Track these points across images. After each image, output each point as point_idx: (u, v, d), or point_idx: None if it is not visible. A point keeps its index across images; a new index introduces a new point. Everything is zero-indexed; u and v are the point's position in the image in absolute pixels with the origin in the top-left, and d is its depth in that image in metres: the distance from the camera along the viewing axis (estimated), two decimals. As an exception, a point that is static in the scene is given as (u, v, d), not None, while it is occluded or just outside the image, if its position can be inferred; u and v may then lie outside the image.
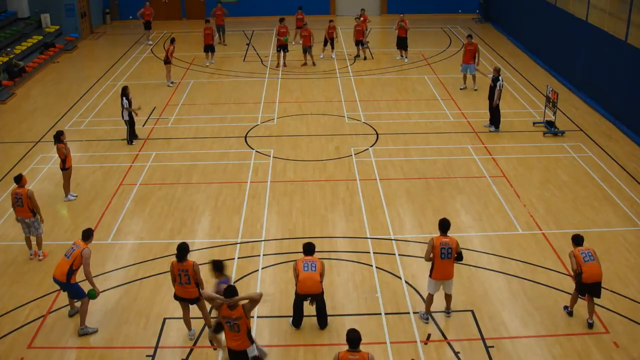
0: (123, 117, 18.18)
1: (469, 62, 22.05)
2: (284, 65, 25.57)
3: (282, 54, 25.66)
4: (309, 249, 10.74)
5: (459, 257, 10.72)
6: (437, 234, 10.84)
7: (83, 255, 10.50)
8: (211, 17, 28.67)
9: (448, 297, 11.00)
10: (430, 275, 10.80)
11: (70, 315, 11.15)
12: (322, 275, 10.59)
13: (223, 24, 29.25)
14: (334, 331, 10.79)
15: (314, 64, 25.60)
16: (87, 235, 10.85)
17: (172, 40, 23.81)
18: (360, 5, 34.53)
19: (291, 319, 10.89)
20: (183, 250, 10.17)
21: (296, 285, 10.55)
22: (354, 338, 8.26)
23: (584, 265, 10.54)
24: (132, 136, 18.40)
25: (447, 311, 11.08)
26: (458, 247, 10.65)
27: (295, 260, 10.75)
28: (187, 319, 10.61)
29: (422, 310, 11.08)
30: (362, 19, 27.64)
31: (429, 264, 10.83)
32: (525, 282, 11.99)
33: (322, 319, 10.79)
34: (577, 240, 10.93)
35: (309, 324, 10.90)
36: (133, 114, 18.23)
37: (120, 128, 19.37)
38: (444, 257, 10.55)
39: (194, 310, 10.62)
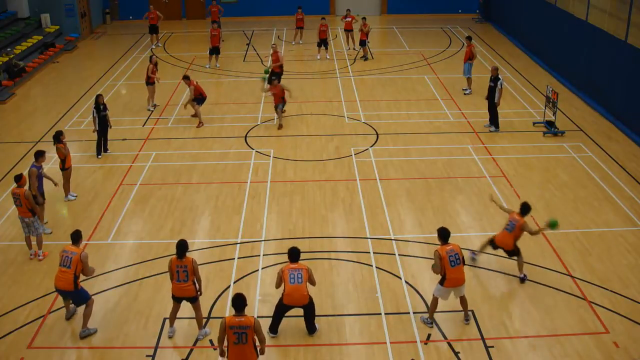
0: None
1: (464, 62, 22.13)
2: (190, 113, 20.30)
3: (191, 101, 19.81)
4: (293, 255, 10.28)
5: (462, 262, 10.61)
6: (435, 234, 10.81)
7: (82, 260, 10.41)
8: (207, 15, 28.61)
9: (463, 301, 10.77)
10: (442, 284, 10.49)
11: (68, 319, 11.09)
12: (311, 282, 10.32)
13: (218, 20, 29.44)
14: (334, 331, 10.78)
15: (280, 126, 19.43)
16: (77, 237, 10.69)
17: (151, 58, 21.14)
18: (360, 5, 34.62)
19: (269, 325, 10.65)
20: (183, 247, 10.17)
21: (282, 294, 10.34)
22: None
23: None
24: (99, 148, 17.64)
25: (466, 318, 10.84)
26: (461, 251, 10.60)
27: (281, 268, 10.40)
28: (173, 316, 10.58)
29: (426, 315, 10.91)
30: (349, 18, 27.59)
31: (430, 265, 10.78)
32: (525, 282, 11.99)
33: (311, 325, 10.62)
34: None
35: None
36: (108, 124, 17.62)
37: (120, 128, 19.39)
38: (454, 264, 10.36)
39: (189, 310, 10.59)
